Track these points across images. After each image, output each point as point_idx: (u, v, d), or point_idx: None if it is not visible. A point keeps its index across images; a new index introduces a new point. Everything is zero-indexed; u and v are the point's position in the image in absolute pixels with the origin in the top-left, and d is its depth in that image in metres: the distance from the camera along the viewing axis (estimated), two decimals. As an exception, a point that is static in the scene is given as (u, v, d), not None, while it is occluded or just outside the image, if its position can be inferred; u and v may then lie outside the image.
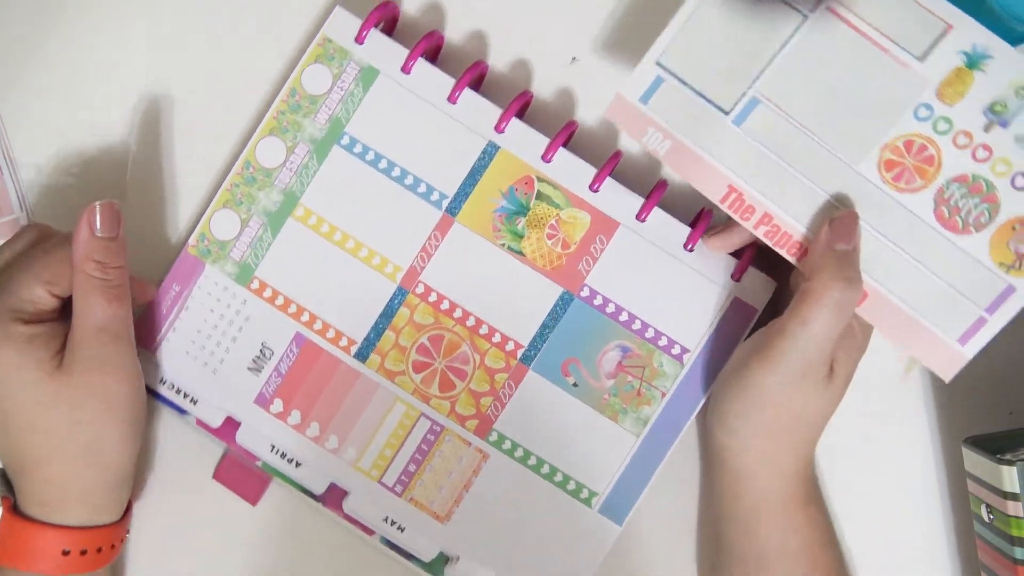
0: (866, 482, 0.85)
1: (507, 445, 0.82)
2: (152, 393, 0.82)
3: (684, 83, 0.73)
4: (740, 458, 0.78)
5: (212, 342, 0.82)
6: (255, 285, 0.81)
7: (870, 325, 0.76)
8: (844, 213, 0.72)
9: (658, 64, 0.73)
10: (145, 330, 0.82)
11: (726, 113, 0.73)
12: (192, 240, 0.81)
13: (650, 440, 0.81)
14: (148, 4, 0.85)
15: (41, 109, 0.85)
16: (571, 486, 0.82)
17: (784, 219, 0.74)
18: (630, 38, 0.84)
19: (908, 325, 0.73)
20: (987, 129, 0.70)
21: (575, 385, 0.81)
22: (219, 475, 0.84)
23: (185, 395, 0.82)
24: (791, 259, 0.74)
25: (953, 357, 0.73)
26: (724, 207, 0.74)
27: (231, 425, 0.82)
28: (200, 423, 0.82)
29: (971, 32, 0.70)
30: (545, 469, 0.82)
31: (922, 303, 0.73)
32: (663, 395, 0.81)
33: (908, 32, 0.70)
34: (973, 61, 0.69)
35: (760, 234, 0.74)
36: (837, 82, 0.72)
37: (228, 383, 0.82)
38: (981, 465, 0.79)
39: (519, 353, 0.81)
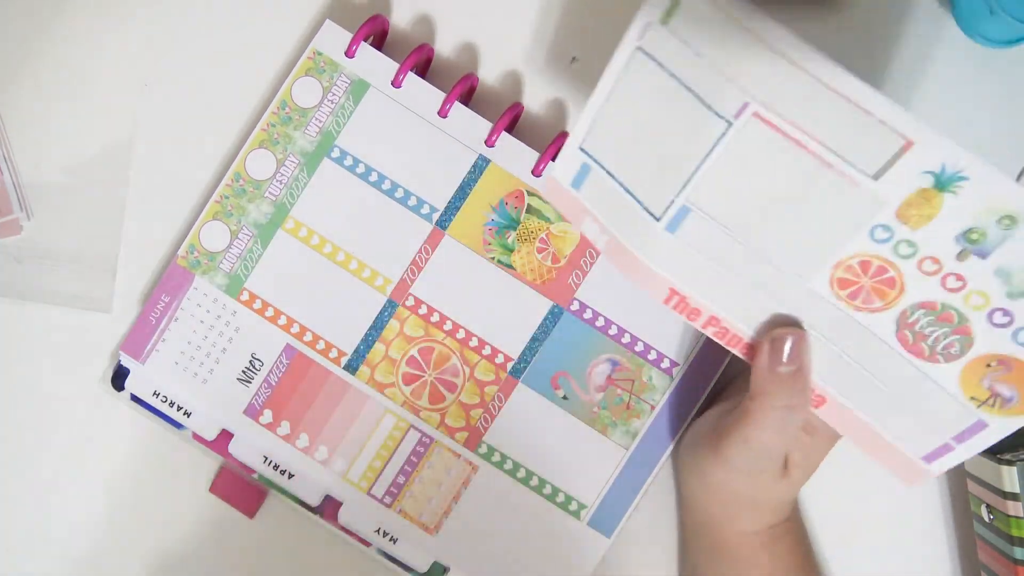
0: (866, 482, 0.84)
1: (496, 457, 0.82)
2: (146, 406, 0.83)
3: (611, 175, 0.68)
4: (702, 511, 0.79)
5: (202, 353, 0.82)
6: (245, 296, 0.81)
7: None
8: (786, 331, 0.68)
9: (582, 150, 0.68)
10: (134, 340, 0.82)
11: (657, 219, 0.66)
12: (181, 251, 0.81)
13: (639, 453, 0.81)
14: (143, 12, 0.85)
15: (41, 109, 0.85)
16: (560, 499, 0.82)
17: (732, 322, 0.70)
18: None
19: (870, 436, 0.70)
20: (960, 257, 0.60)
21: (565, 398, 0.81)
22: (216, 488, 0.84)
23: (179, 408, 0.82)
24: (743, 357, 0.71)
25: (918, 472, 0.69)
26: (669, 307, 0.70)
27: (225, 437, 0.83)
28: (196, 437, 0.83)
29: (938, 149, 0.56)
30: (534, 482, 0.82)
31: (884, 419, 0.69)
32: (652, 408, 0.81)
33: (857, 146, 0.59)
34: (943, 183, 0.57)
35: (709, 334, 0.71)
36: (776, 193, 0.62)
37: (218, 394, 0.82)
38: (981, 465, 0.79)
39: (509, 366, 0.81)
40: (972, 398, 0.64)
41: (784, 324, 0.68)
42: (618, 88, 0.64)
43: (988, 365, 0.63)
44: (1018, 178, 0.84)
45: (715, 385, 0.81)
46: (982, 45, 0.82)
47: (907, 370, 0.65)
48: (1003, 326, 0.61)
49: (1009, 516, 0.76)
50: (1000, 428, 0.65)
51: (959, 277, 0.61)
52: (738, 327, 0.70)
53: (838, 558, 0.86)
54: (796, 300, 0.67)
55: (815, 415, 0.71)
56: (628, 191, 0.67)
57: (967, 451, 0.66)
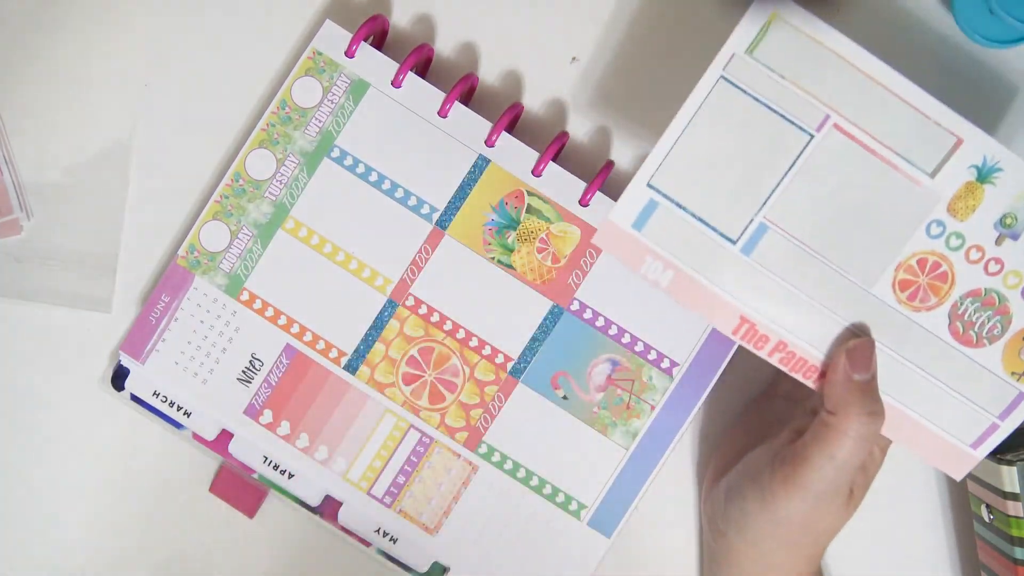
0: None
1: (496, 457, 0.82)
2: (146, 406, 0.82)
3: (682, 208, 0.70)
4: (747, 562, 0.78)
5: (202, 353, 0.82)
6: (245, 296, 0.81)
7: (888, 441, 0.74)
8: (860, 342, 0.70)
9: (650, 187, 0.69)
10: (134, 340, 0.82)
11: (733, 242, 0.70)
12: (181, 251, 0.81)
13: (639, 453, 0.81)
14: (144, 12, 0.85)
15: (41, 109, 0.85)
16: (560, 499, 0.82)
17: (799, 345, 0.72)
18: (628, 43, 0.84)
19: (924, 436, 0.72)
20: (998, 242, 0.68)
21: (565, 398, 0.81)
22: (216, 488, 0.84)
23: (179, 408, 0.82)
24: (809, 384, 0.72)
25: (965, 459, 0.72)
26: (736, 338, 0.71)
27: (226, 437, 0.83)
28: (196, 436, 0.83)
29: (981, 144, 0.67)
30: (534, 482, 0.82)
31: (937, 415, 0.72)
32: (652, 408, 0.81)
33: (918, 147, 0.67)
34: (983, 175, 0.67)
35: (775, 361, 0.72)
36: (847, 202, 0.69)
37: (218, 394, 0.82)
38: (981, 465, 0.78)
39: (509, 366, 0.81)
40: (1012, 373, 0.71)
41: (852, 337, 0.71)
42: (698, 118, 0.68)
43: None
44: (1018, 178, 0.85)
45: (714, 391, 0.81)
46: (982, 45, 0.82)
47: (958, 360, 0.71)
48: None
49: (1009, 516, 0.76)
50: None
51: (998, 261, 0.69)
52: (805, 350, 0.72)
53: (838, 558, 0.86)
54: (861, 311, 0.71)
55: None
56: (701, 220, 0.70)
57: (1011, 425, 0.72)
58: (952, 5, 0.81)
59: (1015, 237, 0.68)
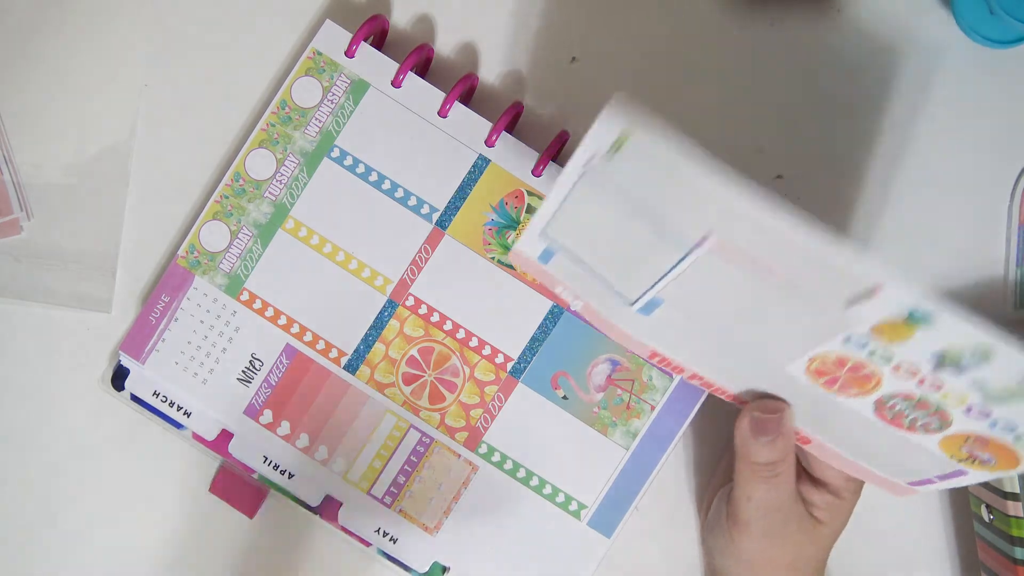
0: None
1: (496, 457, 0.82)
2: (146, 406, 0.83)
3: (579, 260, 0.67)
4: None
5: (202, 353, 0.82)
6: (245, 296, 0.81)
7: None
8: (768, 415, 0.70)
9: (545, 235, 0.65)
10: (134, 340, 0.82)
11: (631, 304, 0.67)
12: (181, 251, 0.81)
13: (639, 453, 0.81)
14: (144, 12, 0.85)
15: (41, 109, 0.85)
16: (560, 499, 0.82)
17: (716, 381, 0.72)
18: (627, 42, 0.84)
19: (857, 468, 0.72)
20: (936, 369, 0.60)
21: (565, 398, 0.81)
22: (215, 488, 0.84)
23: (179, 408, 0.82)
24: (732, 402, 0.74)
25: (905, 491, 0.72)
26: (653, 363, 0.72)
27: (226, 437, 0.83)
28: (196, 436, 0.83)
29: (908, 296, 0.56)
30: (534, 482, 0.82)
31: (869, 460, 0.71)
32: (652, 408, 0.81)
33: (826, 285, 0.58)
34: (914, 320, 0.57)
35: (696, 384, 0.74)
36: (748, 304, 0.62)
37: (218, 394, 0.82)
38: (981, 465, 0.79)
39: (509, 366, 0.81)
40: (952, 456, 0.66)
41: (766, 397, 0.71)
42: (573, 197, 0.61)
43: (966, 439, 0.64)
44: (1019, 178, 0.84)
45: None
46: (982, 45, 0.82)
47: (889, 435, 0.67)
48: (981, 419, 0.62)
49: (1009, 516, 0.76)
50: (977, 477, 0.66)
51: (935, 381, 0.61)
52: (724, 385, 0.72)
53: (838, 558, 0.85)
54: (775, 379, 0.68)
55: (825, 468, 0.74)
56: (598, 275, 0.67)
57: (947, 486, 0.69)
58: (952, 5, 0.82)
59: (958, 373, 0.59)
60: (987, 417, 0.61)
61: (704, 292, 0.63)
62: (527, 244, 0.67)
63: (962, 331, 0.57)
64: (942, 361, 0.59)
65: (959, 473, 0.67)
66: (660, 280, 0.64)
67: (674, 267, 0.62)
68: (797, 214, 0.54)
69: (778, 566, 0.75)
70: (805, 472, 0.75)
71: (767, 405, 0.70)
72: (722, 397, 0.74)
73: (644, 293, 0.66)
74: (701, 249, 0.59)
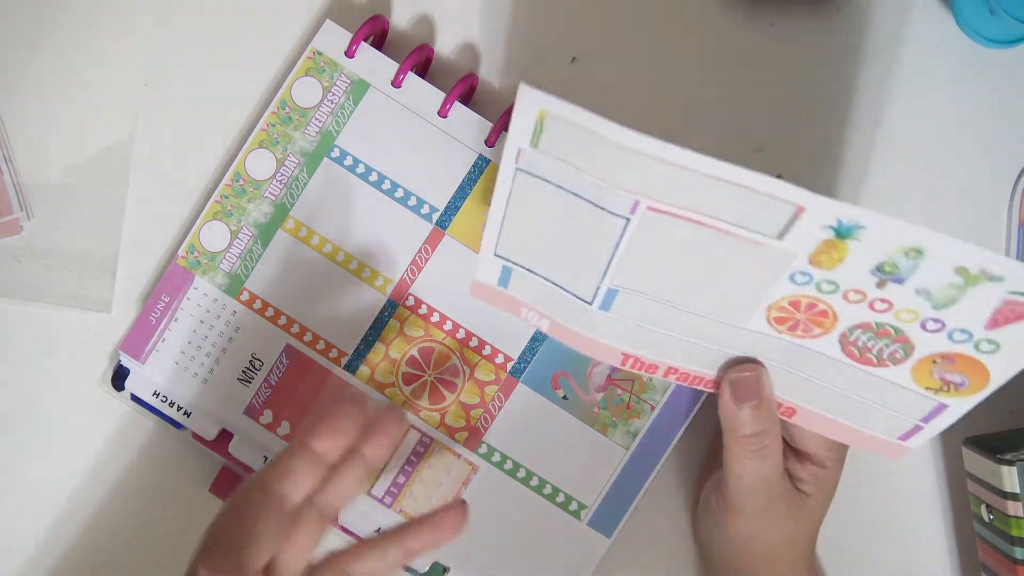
0: (866, 482, 0.85)
1: (496, 457, 0.82)
2: (146, 406, 0.83)
3: (534, 272, 0.70)
4: None
5: (202, 353, 0.82)
6: (245, 296, 0.81)
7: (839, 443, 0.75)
8: (743, 371, 0.71)
9: (498, 256, 0.70)
10: (134, 340, 0.82)
11: (589, 303, 0.69)
12: (181, 251, 0.81)
13: (639, 453, 0.81)
14: (144, 12, 0.85)
15: (41, 109, 0.85)
16: (560, 498, 0.82)
17: (689, 368, 0.73)
18: (627, 42, 0.85)
19: (844, 431, 0.73)
20: (879, 286, 0.62)
21: (565, 398, 0.81)
22: (215, 488, 0.84)
23: (179, 408, 0.82)
24: (712, 392, 0.74)
25: (897, 449, 0.73)
26: (626, 368, 0.72)
27: (226, 437, 0.83)
28: (196, 436, 0.83)
29: (828, 210, 0.58)
30: (534, 481, 0.82)
31: (852, 416, 0.72)
32: (652, 408, 0.81)
33: (752, 217, 0.60)
34: (843, 233, 0.59)
35: (672, 380, 0.74)
36: (694, 265, 0.65)
37: (218, 394, 0.82)
38: (981, 465, 0.79)
39: (509, 366, 0.81)
40: (928, 388, 0.67)
41: (740, 363, 0.72)
42: (512, 204, 0.66)
43: (934, 362, 0.65)
44: (1019, 178, 0.84)
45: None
46: (982, 45, 0.82)
47: (861, 377, 0.68)
48: (937, 331, 0.63)
49: (1009, 516, 0.76)
50: (959, 407, 0.67)
51: (884, 300, 0.63)
52: (698, 371, 0.73)
53: (838, 558, 0.86)
54: (743, 341, 0.70)
55: (808, 437, 0.74)
56: (554, 283, 0.70)
57: (935, 428, 0.69)
58: (952, 5, 0.81)
59: (899, 282, 0.61)
60: (942, 327, 0.63)
61: (651, 266, 0.65)
62: (484, 271, 0.70)
63: (888, 234, 0.58)
64: (881, 273, 0.61)
65: (940, 408, 0.68)
66: (608, 265, 0.65)
67: (616, 246, 0.64)
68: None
69: (772, 545, 0.75)
70: (788, 447, 0.75)
71: (742, 367, 0.71)
72: (706, 389, 0.74)
73: (598, 286, 0.67)
74: (636, 216, 0.61)
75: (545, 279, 0.70)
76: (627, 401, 0.81)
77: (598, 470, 0.82)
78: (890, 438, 0.72)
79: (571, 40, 0.85)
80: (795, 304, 0.65)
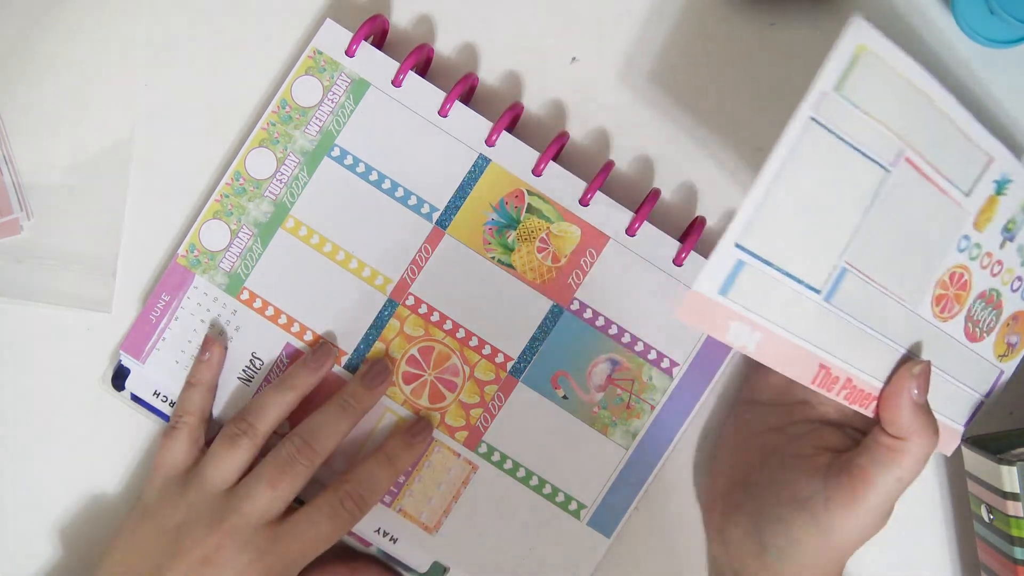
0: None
1: (496, 457, 0.82)
2: (147, 406, 0.83)
3: (769, 264, 0.65)
4: None
5: (202, 352, 0.82)
6: (245, 296, 0.81)
7: None
8: (924, 366, 0.71)
9: (738, 247, 0.64)
10: (134, 340, 0.82)
11: (818, 291, 0.67)
12: (181, 250, 0.81)
13: (639, 453, 0.81)
14: (144, 12, 0.85)
15: (41, 109, 0.85)
16: (560, 498, 0.82)
17: (863, 379, 0.72)
18: (628, 42, 0.85)
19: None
20: (1002, 246, 0.70)
21: (565, 398, 0.81)
22: (214, 487, 0.84)
23: (179, 407, 0.82)
24: (863, 411, 0.73)
25: (955, 436, 0.78)
26: (813, 386, 0.70)
27: (224, 437, 0.82)
28: None
29: (1003, 161, 0.68)
30: (534, 481, 0.82)
31: (944, 406, 0.75)
32: (652, 408, 0.81)
33: (960, 169, 0.68)
34: (1000, 188, 0.68)
35: (840, 398, 0.71)
36: (910, 233, 0.69)
37: (219, 393, 0.82)
38: (981, 465, 0.79)
39: (509, 365, 0.81)
40: (999, 356, 0.76)
41: (904, 362, 0.72)
42: (787, 167, 0.63)
43: (1007, 325, 0.75)
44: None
45: (714, 390, 0.81)
46: (982, 45, 0.82)
47: (966, 355, 0.75)
48: (1017, 290, 0.74)
49: (1009, 516, 0.76)
50: (1009, 370, 0.77)
51: (1000, 262, 0.72)
52: (868, 383, 0.72)
53: (838, 559, 0.86)
54: (911, 333, 0.72)
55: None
56: (787, 274, 0.67)
57: (991, 402, 0.79)
58: (952, 5, 0.82)
59: (1012, 239, 0.70)
60: (1021, 285, 0.74)
61: (881, 238, 0.68)
62: (711, 272, 0.65)
63: (1021, 188, 0.70)
64: (1006, 231, 0.71)
65: (999, 376, 0.77)
66: (854, 235, 0.67)
67: (870, 205, 0.66)
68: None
69: (850, 545, 0.73)
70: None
71: (912, 362, 0.71)
72: (860, 409, 0.72)
73: (835, 264, 0.67)
74: (895, 169, 0.66)
75: (779, 270, 0.66)
76: (627, 401, 0.81)
77: (598, 470, 0.82)
78: (958, 425, 0.77)
79: (571, 40, 0.84)
80: (952, 277, 0.72)
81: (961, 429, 0.77)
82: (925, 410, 0.70)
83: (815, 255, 0.67)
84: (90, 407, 0.85)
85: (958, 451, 0.82)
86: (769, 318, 0.67)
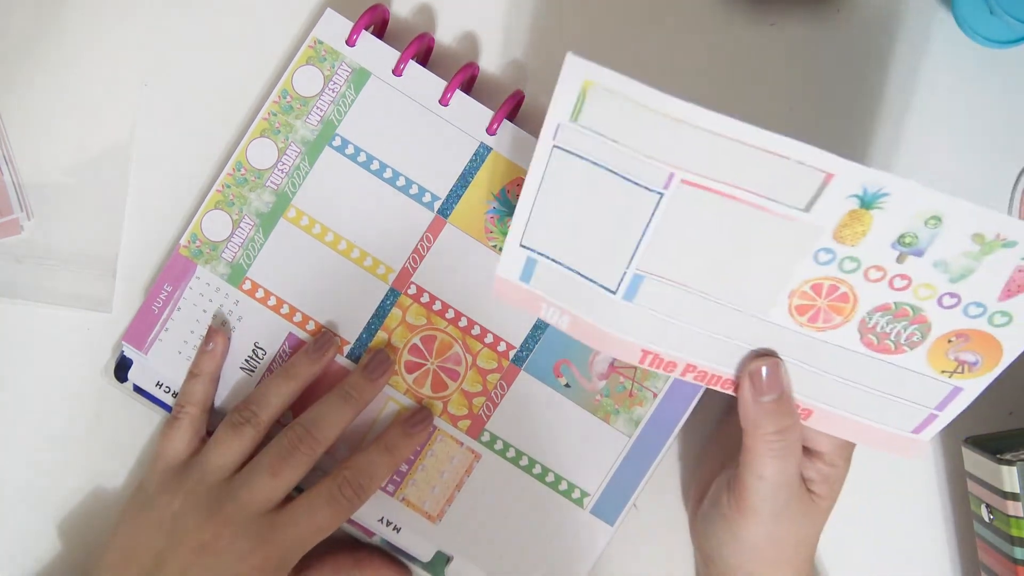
0: (866, 482, 0.84)
1: (499, 445, 0.82)
2: (149, 397, 0.83)
3: (558, 263, 0.70)
4: None
5: (205, 343, 0.82)
6: (247, 286, 0.81)
7: (847, 442, 0.75)
8: (761, 365, 0.71)
9: (523, 247, 0.71)
10: (137, 331, 0.82)
11: (613, 292, 0.69)
12: (183, 241, 0.81)
13: (642, 441, 0.81)
14: (144, 6, 0.85)
15: (41, 109, 0.85)
16: (563, 486, 0.82)
17: (708, 367, 0.73)
18: (628, 37, 0.85)
19: (859, 430, 0.73)
20: (900, 260, 0.64)
21: (567, 386, 0.81)
22: (215, 478, 0.84)
23: (182, 399, 0.82)
24: (730, 393, 0.74)
25: (911, 444, 0.73)
26: (644, 366, 0.72)
27: (227, 428, 0.82)
28: None
29: (856, 175, 0.60)
30: (537, 469, 0.82)
31: (868, 412, 0.72)
32: (655, 396, 0.81)
33: (783, 187, 0.62)
34: (867, 202, 0.61)
35: (689, 379, 0.74)
36: (721, 245, 0.66)
37: (221, 383, 0.82)
38: (981, 465, 0.79)
39: (511, 354, 0.81)
40: (943, 371, 0.68)
41: (758, 357, 0.71)
42: (545, 185, 0.67)
43: (949, 341, 0.67)
44: (1019, 178, 0.84)
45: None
46: (982, 45, 0.82)
47: (880, 367, 0.69)
48: (952, 307, 0.65)
49: (1009, 516, 0.76)
50: (974, 388, 0.69)
51: (903, 277, 0.65)
52: (716, 369, 0.73)
53: (838, 558, 0.86)
54: (762, 335, 0.70)
55: (818, 436, 0.74)
56: (578, 273, 0.70)
57: (950, 415, 0.71)
58: (952, 5, 0.82)
59: (919, 254, 0.63)
60: (958, 302, 0.65)
61: (679, 248, 0.66)
62: (507, 264, 0.71)
63: (911, 200, 0.61)
64: (902, 246, 0.63)
65: (955, 393, 0.69)
66: (637, 247, 0.66)
67: (647, 226, 0.65)
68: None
69: (784, 547, 0.75)
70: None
71: (760, 360, 0.71)
72: (723, 390, 0.74)
73: (624, 271, 0.68)
74: (669, 191, 0.63)
75: (570, 269, 0.70)
76: (629, 389, 0.81)
77: (601, 458, 0.82)
78: (904, 432, 0.72)
79: (571, 40, 0.85)
80: (817, 289, 0.66)
81: (911, 436, 0.73)
82: (770, 408, 0.71)
83: (601, 260, 0.69)
84: (91, 406, 0.85)
85: (958, 451, 0.83)
86: (573, 305, 0.71)
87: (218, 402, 0.82)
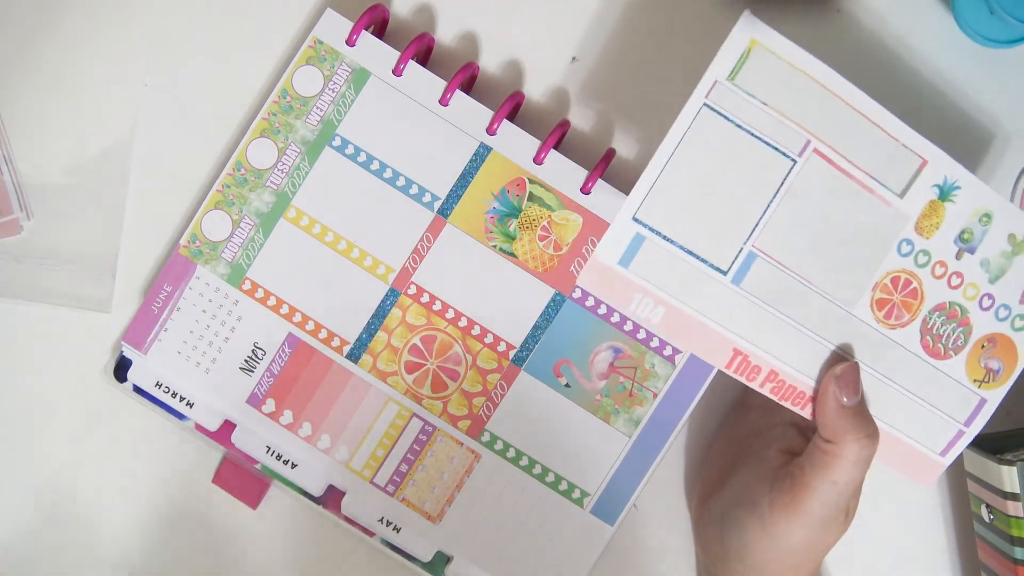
0: (866, 482, 0.84)
1: (499, 446, 0.82)
2: (149, 397, 0.83)
3: (670, 240, 0.69)
4: None
5: (204, 343, 0.82)
6: (247, 286, 0.81)
7: None
8: (847, 367, 0.71)
9: (636, 220, 0.68)
10: (136, 331, 0.82)
11: (724, 272, 0.69)
12: (183, 241, 0.81)
13: (642, 441, 0.81)
14: (144, 6, 0.85)
15: (41, 109, 0.85)
16: (563, 486, 0.82)
17: (789, 373, 0.72)
18: (627, 38, 0.85)
19: (897, 447, 0.74)
20: (958, 257, 0.69)
21: (567, 386, 0.81)
22: (218, 479, 0.84)
23: (181, 399, 0.82)
24: (802, 413, 0.73)
25: (934, 467, 0.75)
26: (729, 372, 0.71)
27: (228, 428, 0.83)
28: (199, 427, 0.83)
29: (943, 165, 0.68)
30: (537, 470, 0.82)
31: (910, 427, 0.74)
32: (655, 396, 0.81)
33: (888, 169, 0.68)
34: (944, 193, 0.68)
35: (767, 391, 0.72)
36: (828, 226, 0.69)
37: (220, 383, 0.82)
38: (981, 465, 0.79)
39: (511, 354, 0.81)
40: (975, 380, 0.72)
41: (837, 363, 0.72)
42: (681, 148, 0.67)
43: (982, 347, 0.71)
44: (1019, 178, 0.84)
45: (717, 379, 0.81)
46: (982, 45, 0.82)
47: (928, 373, 0.73)
48: (988, 309, 0.71)
49: (1009, 516, 0.76)
50: (994, 400, 0.73)
51: (959, 275, 0.70)
52: (795, 378, 0.72)
53: (838, 558, 0.85)
54: (844, 333, 0.72)
55: None
56: (690, 252, 0.69)
57: (974, 430, 0.74)
58: (952, 5, 0.82)
59: (972, 251, 0.69)
60: (992, 304, 0.70)
61: (794, 227, 0.69)
62: (610, 244, 0.69)
63: (974, 197, 0.69)
64: (961, 241, 0.69)
65: (981, 405, 0.73)
66: (759, 220, 0.69)
67: (775, 195, 0.68)
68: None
69: (814, 553, 0.74)
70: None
71: (845, 363, 0.71)
72: (794, 407, 0.73)
73: (741, 247, 0.69)
74: (802, 160, 0.68)
75: (681, 247, 0.69)
76: (629, 389, 0.81)
77: (601, 458, 0.82)
78: (933, 452, 0.74)
79: (571, 40, 0.85)
80: (895, 282, 0.70)
81: (937, 458, 0.75)
82: (855, 412, 0.70)
83: (718, 236, 0.69)
84: (91, 406, 0.85)
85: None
86: (672, 293, 0.70)
87: (215, 404, 0.82)
